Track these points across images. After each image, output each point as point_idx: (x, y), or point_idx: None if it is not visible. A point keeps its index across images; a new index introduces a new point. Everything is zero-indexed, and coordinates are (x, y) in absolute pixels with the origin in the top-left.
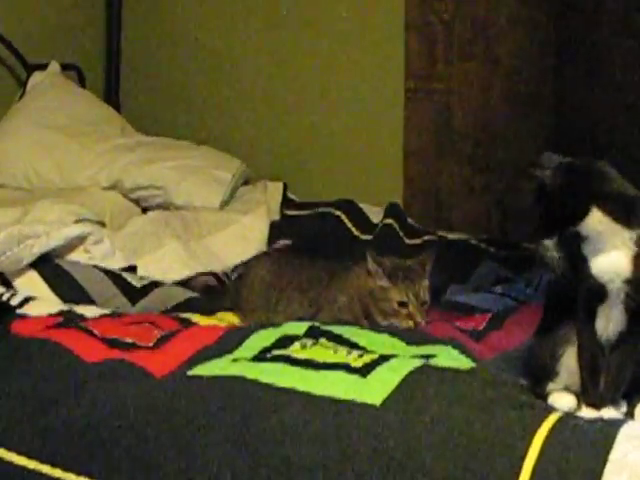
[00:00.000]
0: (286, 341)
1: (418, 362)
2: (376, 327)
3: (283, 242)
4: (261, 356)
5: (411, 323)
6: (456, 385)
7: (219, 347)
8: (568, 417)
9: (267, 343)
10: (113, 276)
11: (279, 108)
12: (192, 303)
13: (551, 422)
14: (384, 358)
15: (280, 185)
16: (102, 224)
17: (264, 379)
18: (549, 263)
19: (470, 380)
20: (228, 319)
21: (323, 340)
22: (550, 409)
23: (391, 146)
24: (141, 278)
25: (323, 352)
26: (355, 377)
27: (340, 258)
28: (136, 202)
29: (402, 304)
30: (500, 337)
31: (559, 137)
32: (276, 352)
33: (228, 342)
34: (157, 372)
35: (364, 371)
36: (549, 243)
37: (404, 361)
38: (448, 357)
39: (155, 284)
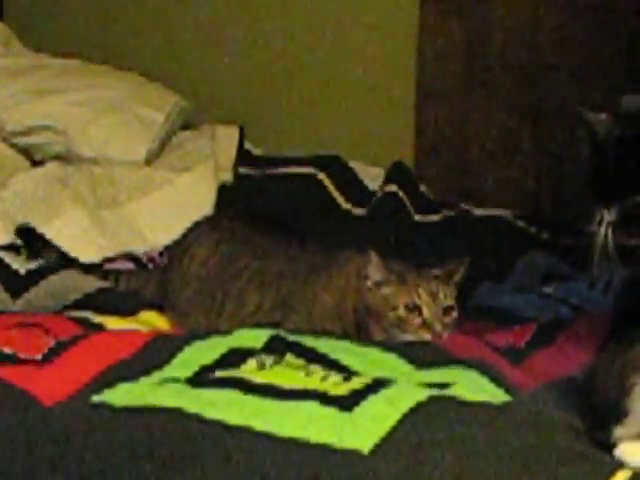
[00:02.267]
0: (236, 357)
1: (426, 393)
2: (369, 340)
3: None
4: (200, 379)
5: (426, 335)
6: (480, 427)
7: (139, 363)
8: None
9: (208, 360)
10: None
11: (236, 25)
12: (102, 298)
13: None
14: (378, 384)
15: (235, 131)
16: None
17: (207, 413)
18: (603, 247)
19: (502, 420)
20: (152, 322)
21: (290, 356)
22: (618, 464)
23: (397, 79)
24: (28, 259)
25: (290, 374)
26: (334, 411)
27: (322, 239)
28: (24, 152)
29: (412, 308)
30: (549, 358)
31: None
32: (222, 373)
33: (152, 356)
34: (46, 398)
35: (348, 403)
36: (606, 217)
37: (406, 390)
38: (471, 386)
39: (49, 269)
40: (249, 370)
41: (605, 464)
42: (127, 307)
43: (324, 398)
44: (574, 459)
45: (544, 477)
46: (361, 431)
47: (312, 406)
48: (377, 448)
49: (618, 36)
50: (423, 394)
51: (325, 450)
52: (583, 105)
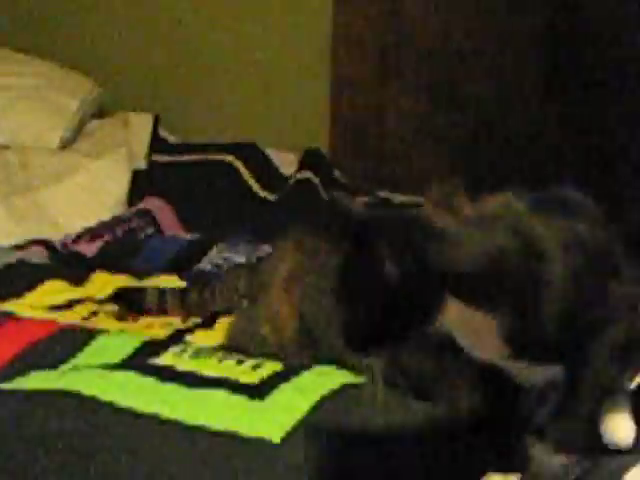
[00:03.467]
0: (155, 347)
1: (340, 380)
2: None
3: (152, 201)
4: (119, 365)
5: None
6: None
7: (50, 348)
8: None
9: (128, 351)
10: None
11: (151, 13)
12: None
13: None
14: (289, 372)
15: (149, 118)
16: None
17: (114, 400)
18: None
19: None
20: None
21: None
22: None
23: (311, 65)
24: None
25: (204, 361)
26: (244, 399)
27: (236, 226)
28: None
29: None
30: None
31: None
32: (138, 362)
33: (66, 341)
34: None
35: (259, 391)
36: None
37: (319, 378)
38: None
39: None
40: (166, 359)
41: None
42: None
43: (235, 386)
44: None
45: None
46: (271, 420)
47: (222, 394)
48: (288, 437)
49: (534, 22)
50: (337, 381)
51: (234, 438)
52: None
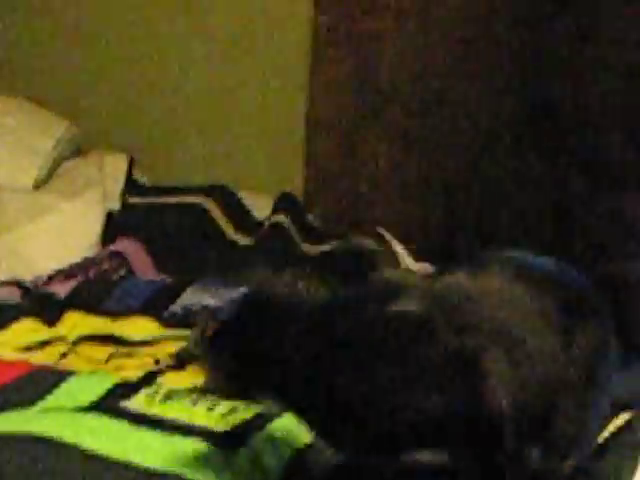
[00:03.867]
0: (127, 389)
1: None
2: None
3: (125, 242)
4: (91, 407)
5: None
6: None
7: (16, 392)
8: None
9: (99, 392)
10: None
11: (126, 50)
12: None
13: None
14: (265, 418)
15: (123, 159)
16: None
17: (86, 444)
18: None
19: None
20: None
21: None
22: None
23: (287, 110)
24: None
25: (177, 406)
26: (213, 449)
27: (207, 269)
28: None
29: None
30: None
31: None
32: (112, 404)
33: (35, 383)
34: None
35: (229, 441)
36: None
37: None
38: None
39: None
40: (139, 401)
41: None
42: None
43: (205, 434)
44: None
45: None
46: (244, 474)
47: (188, 443)
48: None
49: (510, 63)
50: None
51: None
52: None
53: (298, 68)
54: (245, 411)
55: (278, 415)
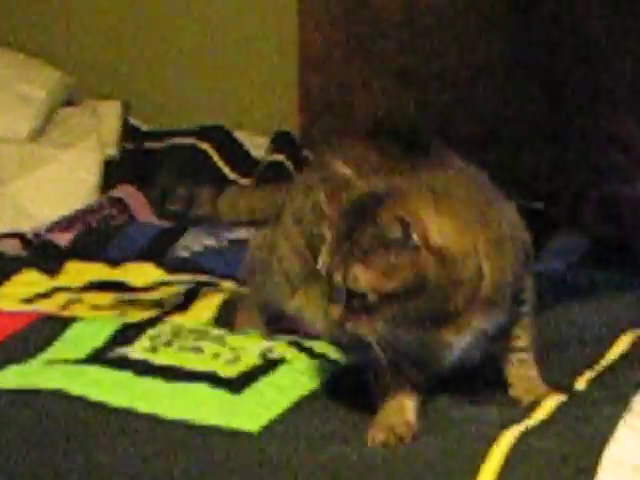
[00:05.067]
0: (129, 334)
1: (320, 375)
2: None
3: (124, 188)
4: (92, 359)
5: None
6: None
7: (24, 344)
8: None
9: (100, 339)
10: None
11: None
12: None
13: (504, 448)
14: (269, 365)
15: (118, 106)
16: None
17: (92, 395)
18: None
19: None
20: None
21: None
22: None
23: (280, 46)
24: None
25: (181, 354)
26: (223, 393)
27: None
28: None
29: None
30: None
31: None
32: (114, 353)
33: (39, 336)
34: None
35: (237, 385)
36: None
37: (298, 373)
38: None
39: None
40: (141, 349)
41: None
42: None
43: (213, 380)
44: None
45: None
46: (250, 413)
47: (201, 388)
48: (266, 430)
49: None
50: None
51: (213, 431)
52: None
53: (288, 6)
54: (250, 358)
55: (283, 361)
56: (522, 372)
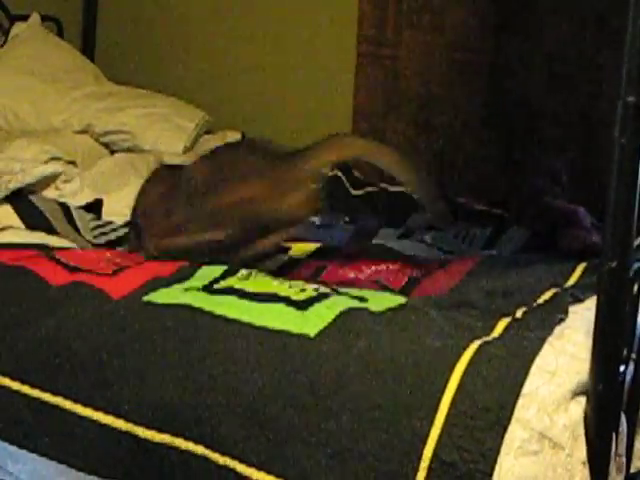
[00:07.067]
0: (231, 271)
1: (353, 302)
2: None
3: None
4: (210, 287)
5: None
6: (385, 321)
7: (173, 277)
8: (487, 345)
9: (216, 274)
10: (67, 215)
11: (239, 67)
12: None
13: (470, 352)
14: (323, 295)
15: (238, 135)
16: (73, 164)
17: (213, 310)
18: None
19: (399, 315)
20: None
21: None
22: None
23: (342, 105)
24: (94, 219)
25: (266, 282)
26: (294, 309)
27: None
28: (106, 146)
29: None
30: (431, 283)
31: (495, 101)
32: (223, 283)
33: (182, 273)
34: (115, 294)
35: (303, 305)
36: None
37: (341, 300)
38: (381, 299)
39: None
40: (240, 279)
41: (464, 339)
42: None
43: (288, 301)
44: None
45: (423, 351)
46: (310, 323)
47: (280, 306)
48: (320, 334)
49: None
50: (351, 303)
51: (286, 334)
52: None
53: (347, 77)
54: (310, 291)
55: (328, 295)
56: None
